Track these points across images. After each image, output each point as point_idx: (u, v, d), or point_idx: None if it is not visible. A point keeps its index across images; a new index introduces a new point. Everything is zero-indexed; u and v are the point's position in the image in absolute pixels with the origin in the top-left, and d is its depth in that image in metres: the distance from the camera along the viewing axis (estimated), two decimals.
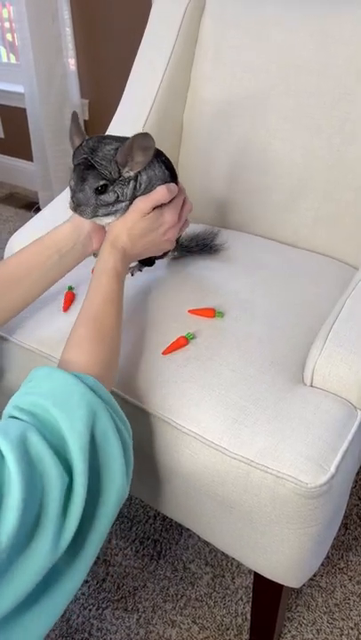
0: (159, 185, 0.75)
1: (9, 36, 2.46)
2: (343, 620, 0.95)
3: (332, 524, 0.71)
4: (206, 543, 1.06)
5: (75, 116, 0.73)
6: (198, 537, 1.07)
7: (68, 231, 0.76)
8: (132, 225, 0.74)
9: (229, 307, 0.83)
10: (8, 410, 0.57)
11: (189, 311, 0.82)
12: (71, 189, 0.70)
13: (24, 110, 2.17)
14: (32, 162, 2.32)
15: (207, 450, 0.66)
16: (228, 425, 0.66)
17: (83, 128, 0.74)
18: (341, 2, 0.97)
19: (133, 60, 1.16)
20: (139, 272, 0.85)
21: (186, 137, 1.15)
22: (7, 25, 2.43)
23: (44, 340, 0.80)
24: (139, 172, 0.72)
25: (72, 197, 0.70)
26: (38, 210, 2.35)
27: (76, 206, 0.70)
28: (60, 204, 1.05)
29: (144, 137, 0.68)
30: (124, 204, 0.73)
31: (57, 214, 1.02)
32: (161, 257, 0.87)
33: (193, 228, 0.98)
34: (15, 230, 1.02)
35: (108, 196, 0.70)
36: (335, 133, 0.98)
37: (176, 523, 1.09)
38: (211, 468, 0.66)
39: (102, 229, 0.77)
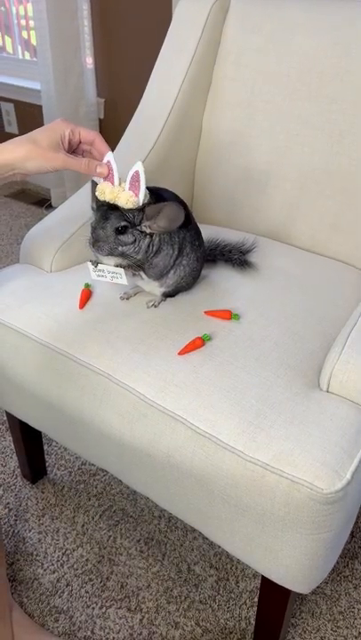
0: (165, 250, 0.77)
1: (24, 34, 2.46)
2: (347, 628, 0.94)
3: (344, 530, 0.71)
4: (211, 545, 1.06)
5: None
6: (203, 539, 1.06)
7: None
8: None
9: (246, 309, 0.82)
10: None
11: (206, 312, 0.82)
12: (92, 227, 0.72)
13: (40, 107, 2.17)
14: None
15: (222, 452, 0.66)
16: (243, 427, 0.66)
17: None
18: None
19: (151, 60, 1.17)
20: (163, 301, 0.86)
21: (205, 137, 1.15)
22: (23, 22, 2.44)
23: (60, 337, 0.80)
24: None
25: (92, 233, 0.72)
26: (50, 207, 2.36)
27: (95, 242, 0.72)
28: (75, 201, 1.05)
29: (177, 209, 0.71)
30: (137, 254, 0.74)
31: (72, 211, 1.02)
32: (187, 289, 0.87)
33: (222, 235, 0.98)
34: (26, 226, 1.03)
35: (127, 237, 0.72)
36: (356, 140, 0.98)
37: (181, 524, 1.09)
38: (225, 470, 0.65)
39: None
